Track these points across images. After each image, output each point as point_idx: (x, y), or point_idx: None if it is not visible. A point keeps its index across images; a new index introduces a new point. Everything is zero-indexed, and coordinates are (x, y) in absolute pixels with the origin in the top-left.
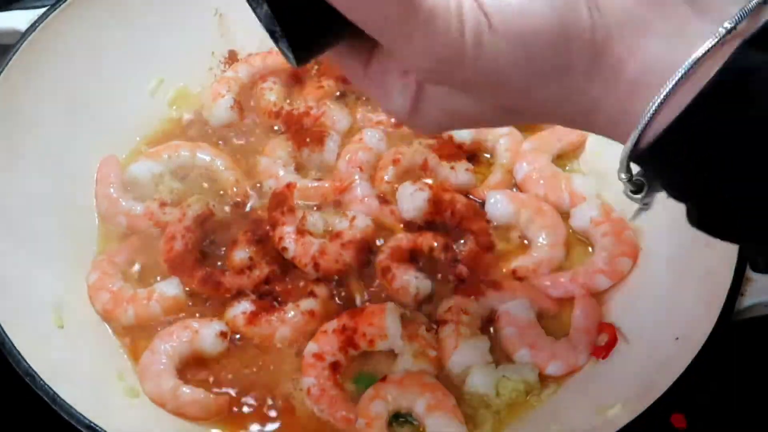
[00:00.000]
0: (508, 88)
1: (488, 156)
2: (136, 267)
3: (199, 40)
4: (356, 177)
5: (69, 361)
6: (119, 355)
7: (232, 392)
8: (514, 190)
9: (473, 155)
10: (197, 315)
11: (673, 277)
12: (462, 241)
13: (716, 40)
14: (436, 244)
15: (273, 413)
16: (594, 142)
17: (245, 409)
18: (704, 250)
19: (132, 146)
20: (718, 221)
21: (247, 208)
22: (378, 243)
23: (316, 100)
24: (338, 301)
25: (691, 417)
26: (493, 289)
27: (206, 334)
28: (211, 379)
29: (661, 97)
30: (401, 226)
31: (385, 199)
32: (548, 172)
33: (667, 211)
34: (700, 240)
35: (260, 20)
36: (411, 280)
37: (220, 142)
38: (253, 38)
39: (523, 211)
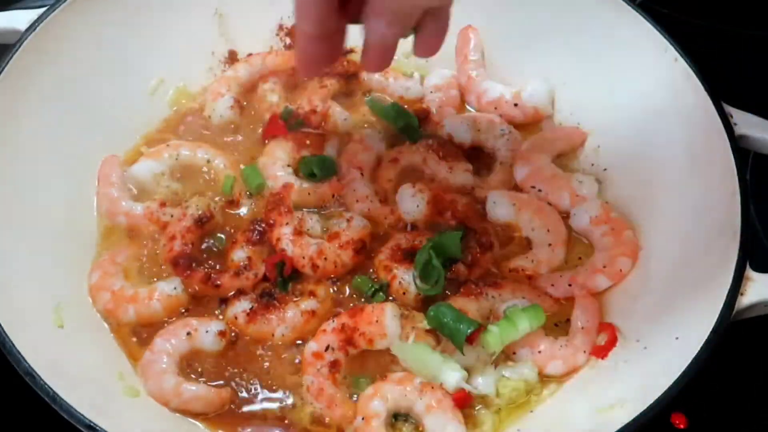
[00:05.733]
0: None
1: (489, 155)
2: (137, 267)
3: (199, 40)
4: (355, 177)
5: (69, 361)
6: (119, 355)
7: (234, 387)
8: (514, 189)
9: (473, 155)
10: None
11: (673, 277)
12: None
13: None
14: None
15: (273, 411)
16: (594, 142)
17: (245, 407)
18: (704, 250)
19: (132, 146)
20: None
21: (246, 208)
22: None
23: (320, 100)
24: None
25: (691, 417)
26: (493, 289)
27: (206, 333)
28: (212, 376)
29: None
30: (401, 226)
31: (385, 199)
32: (548, 172)
33: (667, 211)
34: (700, 240)
35: None
36: (411, 280)
37: (218, 141)
38: (253, 38)
39: (524, 211)
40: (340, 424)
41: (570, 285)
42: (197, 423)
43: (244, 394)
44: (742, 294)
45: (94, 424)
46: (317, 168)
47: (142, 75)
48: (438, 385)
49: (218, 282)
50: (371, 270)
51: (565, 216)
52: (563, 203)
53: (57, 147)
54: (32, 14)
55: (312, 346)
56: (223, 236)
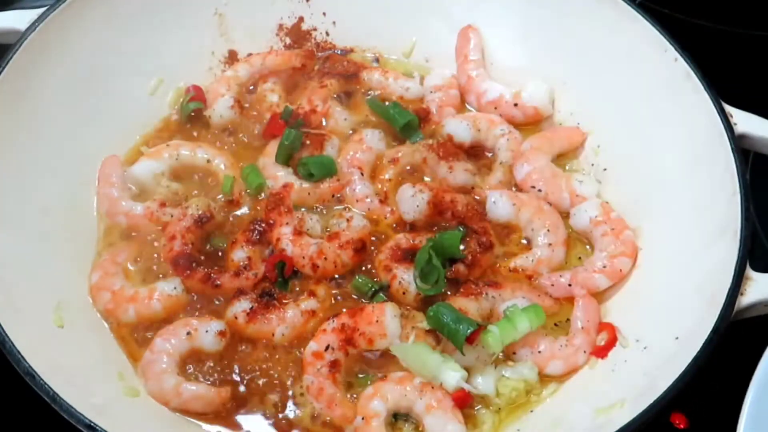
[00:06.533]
0: None
1: (489, 155)
2: (137, 266)
3: (199, 40)
4: (355, 177)
5: (69, 361)
6: (119, 355)
7: (234, 386)
8: (514, 189)
9: (473, 155)
10: (197, 313)
11: (673, 277)
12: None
13: None
14: None
15: (273, 410)
16: (594, 142)
17: (245, 406)
18: (704, 250)
19: (132, 146)
20: None
21: (246, 208)
22: (377, 243)
23: (320, 100)
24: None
25: (691, 417)
26: (493, 289)
27: (205, 333)
28: (212, 376)
29: None
30: (399, 226)
31: (385, 199)
32: (548, 172)
33: (667, 211)
34: (700, 240)
35: None
36: (411, 280)
37: (219, 142)
38: (253, 38)
39: (524, 211)
40: (340, 423)
41: (570, 285)
42: (197, 423)
43: (244, 396)
44: (742, 294)
45: (94, 424)
46: (317, 168)
47: (142, 75)
48: (438, 385)
49: (218, 282)
50: (371, 269)
51: (565, 216)
52: (563, 203)
53: (57, 147)
54: (32, 14)
55: (312, 346)
56: (223, 236)
